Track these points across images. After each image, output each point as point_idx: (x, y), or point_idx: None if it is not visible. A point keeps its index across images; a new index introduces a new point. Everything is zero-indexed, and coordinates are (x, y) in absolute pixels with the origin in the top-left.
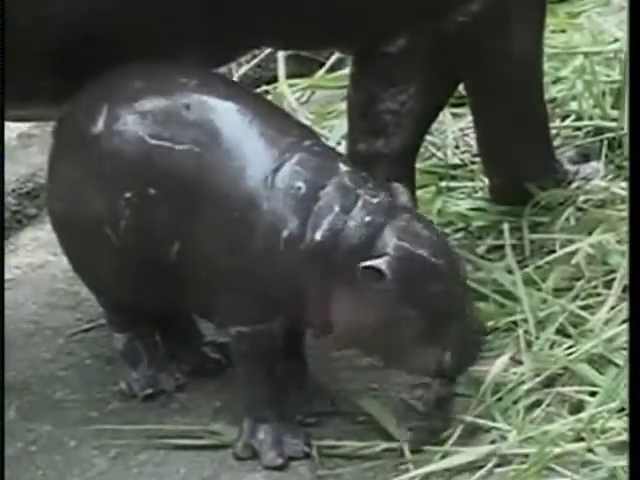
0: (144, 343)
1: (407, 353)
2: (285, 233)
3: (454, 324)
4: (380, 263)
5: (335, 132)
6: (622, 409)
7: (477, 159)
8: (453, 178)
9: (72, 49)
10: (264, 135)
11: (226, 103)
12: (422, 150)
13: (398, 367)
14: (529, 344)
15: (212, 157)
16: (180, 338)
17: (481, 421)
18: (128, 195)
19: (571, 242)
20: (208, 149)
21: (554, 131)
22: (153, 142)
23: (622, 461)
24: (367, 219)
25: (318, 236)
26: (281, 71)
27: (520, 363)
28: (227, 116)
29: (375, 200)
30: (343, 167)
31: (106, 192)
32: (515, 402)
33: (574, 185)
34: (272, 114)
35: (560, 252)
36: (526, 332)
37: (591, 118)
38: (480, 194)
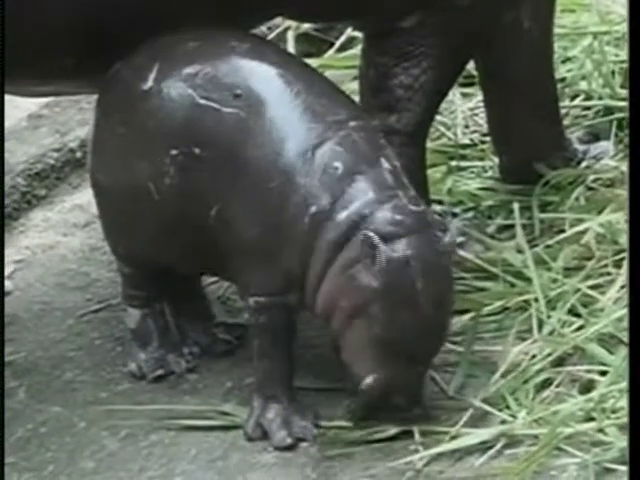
0: (156, 323)
1: (351, 347)
2: (313, 209)
3: (400, 361)
4: (383, 248)
5: None
6: None
7: (487, 139)
8: (463, 158)
9: (95, 26)
10: (311, 108)
11: (276, 71)
12: (432, 129)
13: (340, 360)
14: (540, 324)
15: (256, 124)
16: (192, 317)
17: (491, 402)
18: (174, 152)
19: (581, 221)
20: (254, 116)
21: (563, 111)
22: (202, 102)
23: None
24: (397, 217)
25: (343, 216)
26: (291, 51)
27: (530, 343)
28: (276, 84)
29: (412, 207)
30: (384, 162)
31: (153, 148)
32: (525, 382)
33: (584, 164)
34: (323, 88)
35: (570, 231)
36: (537, 311)
37: (600, 98)
38: (490, 173)
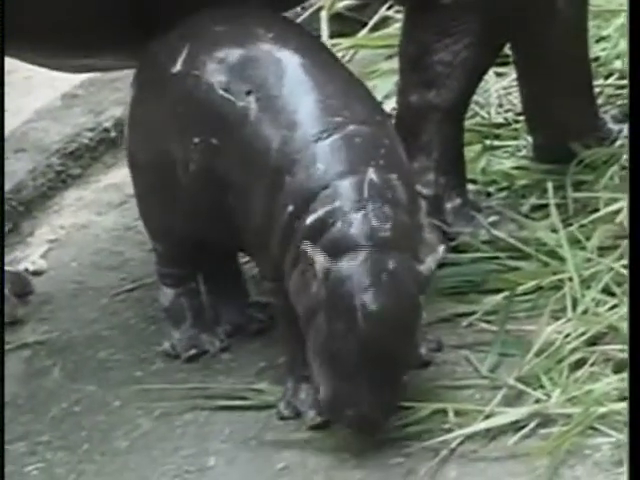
0: (190, 302)
1: (309, 353)
2: (290, 208)
3: (344, 377)
4: (322, 262)
5: (378, 91)
6: None
7: (520, 118)
8: (497, 137)
9: None
10: (316, 107)
11: (294, 65)
12: None
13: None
14: (574, 303)
15: (264, 119)
16: (227, 295)
17: (525, 381)
18: (197, 140)
19: (615, 200)
20: (263, 110)
21: (597, 90)
22: (220, 92)
23: None
24: (352, 231)
25: (309, 221)
26: (324, 31)
27: (564, 322)
28: (290, 79)
29: (374, 223)
30: (372, 173)
31: (179, 133)
32: (559, 361)
33: (618, 143)
34: (338, 85)
35: (604, 211)
36: (571, 291)
37: None
38: (524, 153)
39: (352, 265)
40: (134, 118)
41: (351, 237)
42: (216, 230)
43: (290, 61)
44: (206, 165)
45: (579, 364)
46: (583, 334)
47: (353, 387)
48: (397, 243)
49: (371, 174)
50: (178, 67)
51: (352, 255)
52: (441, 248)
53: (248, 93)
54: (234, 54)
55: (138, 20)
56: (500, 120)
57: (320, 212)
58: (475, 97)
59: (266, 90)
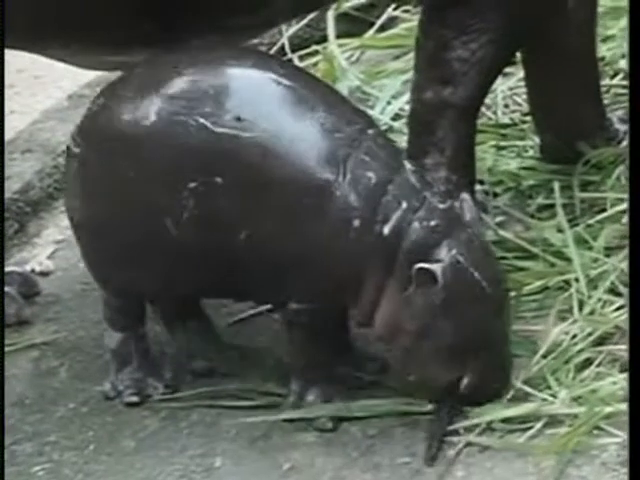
0: (137, 345)
1: (429, 364)
2: (356, 223)
3: (483, 354)
4: (436, 268)
5: (385, 91)
6: None
7: (527, 118)
8: (503, 137)
9: None
10: (329, 122)
11: (288, 88)
12: None
13: (416, 376)
14: (580, 303)
15: (277, 146)
16: None
17: (532, 383)
18: (192, 185)
19: (622, 201)
20: (273, 138)
21: (604, 89)
22: (217, 130)
23: None
24: (432, 223)
25: (387, 230)
26: (331, 31)
27: (571, 323)
28: (291, 103)
29: (441, 206)
30: (407, 163)
31: (166, 184)
32: (566, 362)
33: (624, 144)
34: (334, 99)
35: (611, 211)
36: (577, 291)
37: None
38: (530, 153)
39: (453, 252)
40: (90, 179)
41: (433, 231)
42: (208, 277)
43: (281, 86)
44: (206, 207)
45: (586, 364)
46: (590, 334)
47: (498, 354)
48: (458, 213)
49: (408, 165)
50: (152, 118)
51: (445, 244)
52: (463, 195)
53: (238, 120)
54: (217, 90)
55: (167, 17)
56: (507, 120)
57: (393, 221)
58: None
59: (269, 118)
